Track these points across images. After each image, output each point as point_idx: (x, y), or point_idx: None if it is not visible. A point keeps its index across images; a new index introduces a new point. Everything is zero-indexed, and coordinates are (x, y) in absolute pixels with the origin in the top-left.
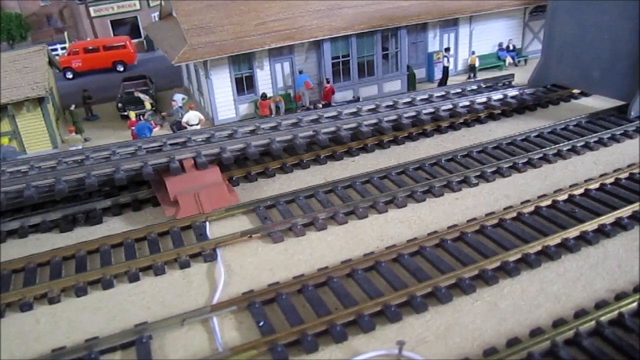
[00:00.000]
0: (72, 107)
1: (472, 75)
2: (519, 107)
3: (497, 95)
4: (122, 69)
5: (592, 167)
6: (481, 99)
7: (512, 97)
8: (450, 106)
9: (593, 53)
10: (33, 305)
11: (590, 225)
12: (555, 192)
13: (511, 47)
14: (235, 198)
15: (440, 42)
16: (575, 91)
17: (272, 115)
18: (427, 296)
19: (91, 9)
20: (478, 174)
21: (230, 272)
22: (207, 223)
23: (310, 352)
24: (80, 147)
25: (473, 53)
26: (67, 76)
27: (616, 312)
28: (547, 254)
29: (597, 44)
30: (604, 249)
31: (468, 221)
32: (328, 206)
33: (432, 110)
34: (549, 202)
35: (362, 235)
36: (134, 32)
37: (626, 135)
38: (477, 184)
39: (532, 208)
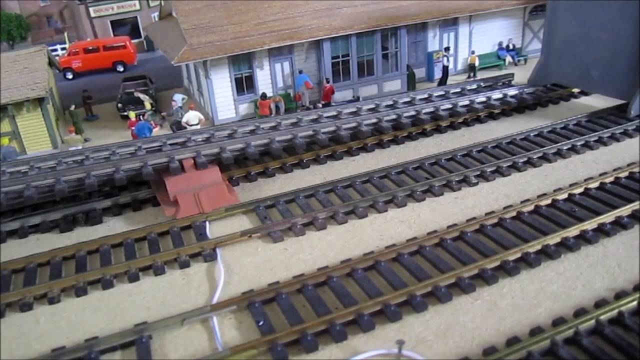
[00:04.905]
0: (72, 108)
1: (471, 74)
2: (519, 107)
3: (496, 95)
4: (122, 69)
5: (592, 166)
6: (481, 98)
7: (511, 97)
8: (450, 105)
9: (593, 52)
10: (33, 305)
11: (590, 224)
12: (555, 191)
13: (511, 47)
14: (235, 198)
15: (440, 41)
16: (575, 90)
17: (272, 115)
18: (426, 295)
19: (91, 10)
20: (478, 173)
21: (230, 272)
22: (207, 223)
23: (310, 351)
24: (80, 147)
25: (473, 52)
26: (67, 76)
27: (616, 311)
28: (546, 253)
29: (597, 43)
30: (604, 248)
31: (468, 220)
32: (328, 206)
33: (431, 109)
34: (548, 201)
35: (362, 235)
36: (134, 32)
37: (626, 134)
38: (476, 184)
39: (531, 207)
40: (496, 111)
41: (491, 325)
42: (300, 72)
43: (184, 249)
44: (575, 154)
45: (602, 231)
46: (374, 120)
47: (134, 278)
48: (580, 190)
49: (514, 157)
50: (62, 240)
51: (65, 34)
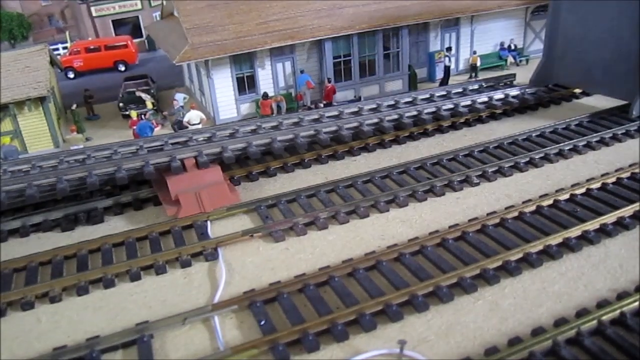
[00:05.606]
0: (74, 107)
1: (473, 74)
2: (521, 107)
3: (498, 95)
4: (123, 68)
5: (593, 167)
6: (482, 98)
7: (513, 97)
8: (452, 106)
9: (595, 52)
10: (34, 304)
11: (592, 225)
12: (556, 191)
13: (512, 47)
14: (236, 197)
15: (442, 41)
16: (577, 91)
17: (274, 115)
18: (428, 295)
19: (92, 9)
20: (479, 173)
21: (232, 271)
22: (209, 222)
23: (312, 351)
24: (81, 146)
25: (474, 53)
26: (69, 76)
27: (618, 311)
28: (548, 253)
29: (598, 44)
30: (606, 249)
31: (469, 220)
32: (329, 205)
33: (433, 109)
34: (550, 202)
35: (364, 235)
36: (136, 31)
37: (628, 134)
38: (478, 184)
39: (533, 207)
40: (498, 111)
41: (493, 325)
42: (302, 71)
43: (186, 248)
44: (577, 155)
45: (604, 231)
46: (376, 120)
47: (135, 277)
48: (582, 190)
49: (516, 157)
50: (64, 239)
51: (67, 33)
